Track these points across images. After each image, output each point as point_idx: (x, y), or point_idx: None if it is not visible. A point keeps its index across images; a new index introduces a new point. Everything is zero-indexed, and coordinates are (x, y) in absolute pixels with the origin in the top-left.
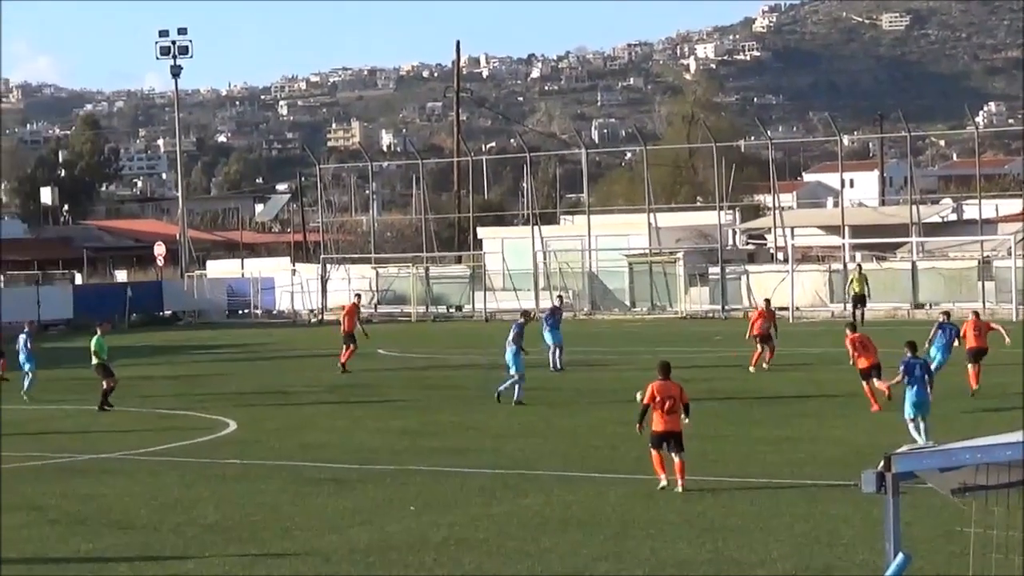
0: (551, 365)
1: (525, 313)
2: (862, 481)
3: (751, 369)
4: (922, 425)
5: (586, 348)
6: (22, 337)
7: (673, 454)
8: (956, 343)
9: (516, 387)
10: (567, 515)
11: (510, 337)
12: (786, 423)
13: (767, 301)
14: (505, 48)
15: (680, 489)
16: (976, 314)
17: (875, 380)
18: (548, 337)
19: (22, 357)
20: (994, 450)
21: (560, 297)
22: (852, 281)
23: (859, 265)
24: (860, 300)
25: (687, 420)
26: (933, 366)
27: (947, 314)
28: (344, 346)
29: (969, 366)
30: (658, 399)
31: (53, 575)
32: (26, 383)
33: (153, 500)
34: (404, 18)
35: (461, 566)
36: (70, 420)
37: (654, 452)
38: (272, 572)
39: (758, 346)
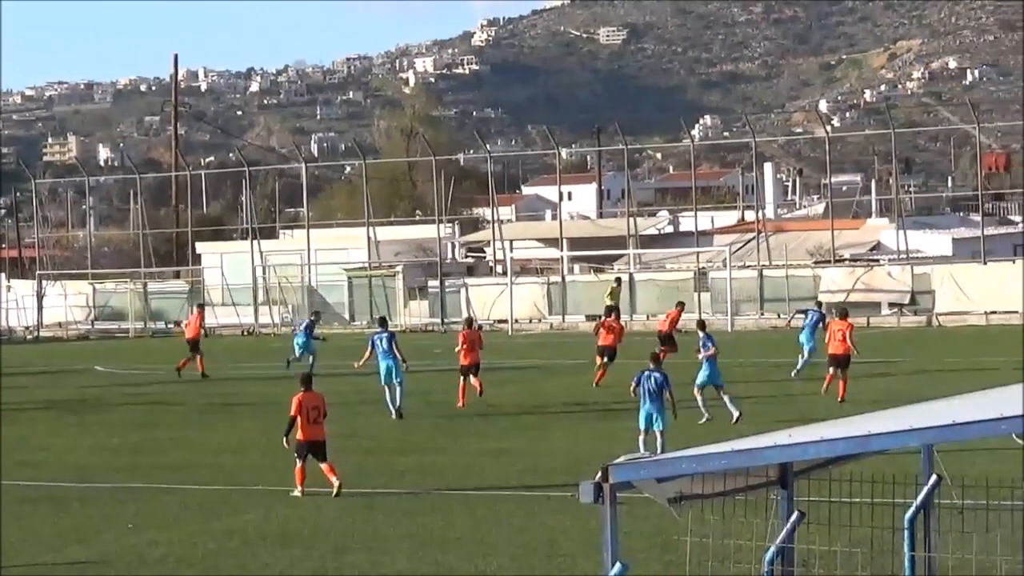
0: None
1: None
2: (580, 492)
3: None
4: (659, 439)
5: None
6: None
7: (320, 463)
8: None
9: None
10: (287, 530)
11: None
12: (505, 435)
13: (681, 304)
14: (224, 62)
15: (337, 487)
16: (843, 316)
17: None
18: (302, 345)
19: None
20: (709, 459)
21: (317, 313)
22: (609, 293)
23: (618, 279)
24: (614, 311)
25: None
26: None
27: (819, 303)
28: (192, 354)
29: (832, 370)
30: (303, 409)
31: None
32: None
33: None
34: (121, 31)
35: None
36: None
37: (299, 463)
38: None
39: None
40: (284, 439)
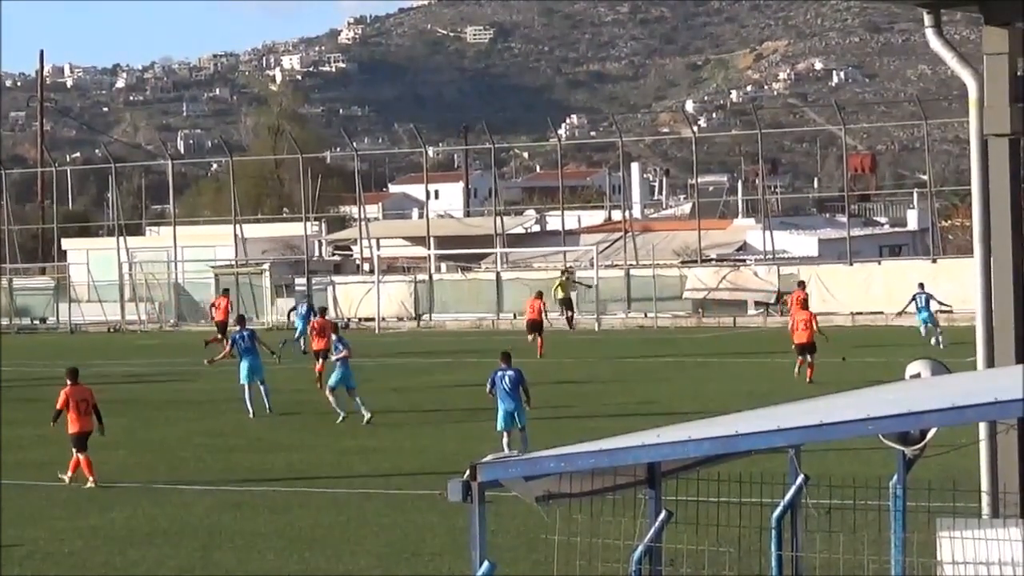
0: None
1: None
2: (448, 490)
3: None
4: (523, 435)
5: (174, 359)
6: None
7: (79, 454)
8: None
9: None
10: (154, 528)
11: None
12: (373, 434)
13: (801, 283)
14: (90, 58)
15: (92, 484)
16: (803, 303)
17: None
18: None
19: None
20: (577, 458)
21: (308, 296)
22: (557, 287)
23: (563, 271)
24: (567, 304)
25: (99, 424)
26: (923, 328)
27: (921, 284)
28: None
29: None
30: (72, 402)
31: None
32: None
33: None
34: None
35: None
36: None
37: (78, 455)
38: None
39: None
40: (52, 423)
